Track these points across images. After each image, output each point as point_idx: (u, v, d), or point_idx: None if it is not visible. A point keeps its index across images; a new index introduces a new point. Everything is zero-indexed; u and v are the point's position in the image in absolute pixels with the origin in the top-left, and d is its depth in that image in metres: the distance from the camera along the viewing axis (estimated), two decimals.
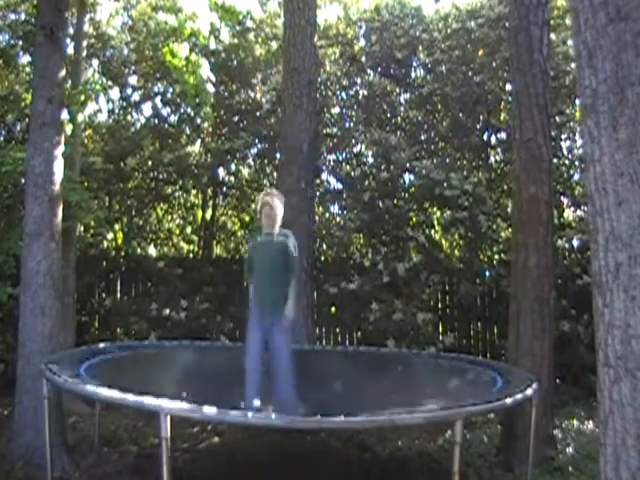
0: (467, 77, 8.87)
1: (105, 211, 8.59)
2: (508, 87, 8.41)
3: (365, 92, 9.39)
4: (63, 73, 5.19)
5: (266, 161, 9.55)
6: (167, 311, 8.01)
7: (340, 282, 8.02)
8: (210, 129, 9.46)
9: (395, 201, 8.39)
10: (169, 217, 10.41)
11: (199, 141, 9.74)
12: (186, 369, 5.60)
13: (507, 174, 8.51)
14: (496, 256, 8.51)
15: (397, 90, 9.38)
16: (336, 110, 9.47)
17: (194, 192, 9.90)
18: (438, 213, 8.63)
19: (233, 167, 9.60)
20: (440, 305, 8.46)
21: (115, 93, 9.47)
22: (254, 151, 9.47)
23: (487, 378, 4.56)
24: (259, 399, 4.46)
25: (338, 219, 9.42)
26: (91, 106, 8.82)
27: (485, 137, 9.31)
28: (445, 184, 7.85)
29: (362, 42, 9.71)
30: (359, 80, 9.37)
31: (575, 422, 6.11)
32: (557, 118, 8.10)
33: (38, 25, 5.12)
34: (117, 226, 9.52)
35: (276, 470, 4.68)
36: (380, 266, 7.89)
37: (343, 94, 9.58)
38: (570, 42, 7.92)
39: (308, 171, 7.21)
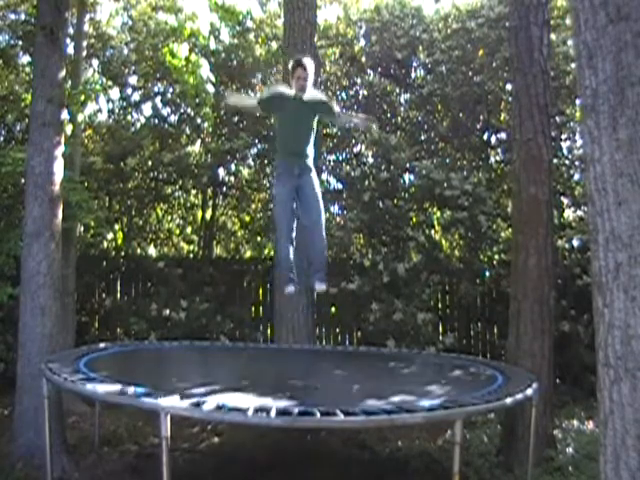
0: (467, 77, 8.88)
1: (105, 211, 8.59)
2: (508, 87, 8.41)
3: (365, 92, 9.40)
4: (63, 73, 5.19)
5: (266, 161, 9.55)
6: (167, 311, 8.01)
7: (340, 282, 8.02)
8: (210, 129, 9.46)
9: (395, 201, 8.39)
10: (169, 217, 10.41)
11: (199, 141, 9.74)
12: (186, 369, 5.59)
13: (507, 174, 8.51)
14: (496, 256, 8.51)
15: (397, 90, 9.38)
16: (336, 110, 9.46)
17: (194, 192, 9.90)
18: (438, 213, 8.63)
19: (233, 167, 9.61)
20: (440, 305, 8.47)
21: (115, 93, 9.48)
22: (254, 151, 9.47)
23: (487, 378, 4.55)
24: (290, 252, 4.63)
25: (338, 219, 9.42)
26: (91, 106, 8.83)
27: (485, 137, 9.32)
28: (445, 184, 7.86)
29: (362, 42, 9.71)
30: (359, 80, 9.37)
31: (575, 422, 6.12)
32: (557, 118, 8.10)
33: (38, 25, 5.12)
34: (117, 226, 9.53)
35: (276, 470, 4.68)
36: (380, 266, 7.89)
37: (343, 94, 9.58)
38: (570, 42, 7.93)
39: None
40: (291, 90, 4.67)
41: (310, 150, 4.74)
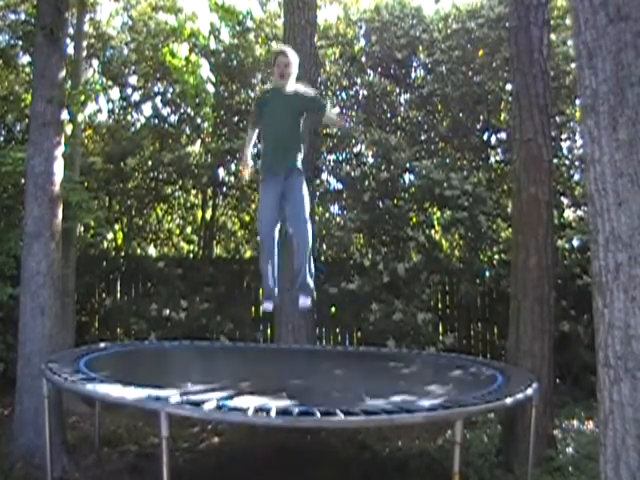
0: (467, 77, 8.88)
1: (105, 211, 8.59)
2: (508, 87, 8.41)
3: (365, 92, 9.39)
4: (63, 73, 5.19)
5: None
6: (167, 311, 8.01)
7: (340, 282, 8.02)
8: (210, 129, 9.46)
9: (395, 201, 8.39)
10: (169, 217, 10.41)
11: (199, 141, 9.74)
12: (186, 369, 5.59)
13: (507, 174, 8.51)
14: (496, 256, 8.51)
15: (397, 90, 9.38)
16: (336, 110, 9.47)
17: (194, 192, 9.90)
18: (438, 213, 8.63)
19: (233, 167, 9.61)
20: (440, 305, 8.46)
21: (115, 93, 9.49)
22: (254, 151, 9.45)
23: (487, 378, 4.56)
24: (272, 274, 4.40)
25: (338, 219, 9.42)
26: (91, 106, 8.84)
27: (485, 137, 9.31)
28: (445, 184, 7.86)
29: (362, 42, 9.71)
30: (359, 80, 9.37)
31: (575, 422, 6.12)
32: (557, 118, 8.10)
33: (38, 25, 5.12)
34: (117, 226, 9.53)
35: (276, 470, 4.68)
36: (380, 266, 7.90)
37: (343, 94, 9.58)
38: (570, 42, 7.93)
39: (308, 171, 7.19)
40: (276, 86, 4.51)
41: (296, 149, 4.43)
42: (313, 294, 4.43)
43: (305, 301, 4.36)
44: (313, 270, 4.46)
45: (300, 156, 4.47)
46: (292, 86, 4.50)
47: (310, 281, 4.40)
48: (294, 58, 4.50)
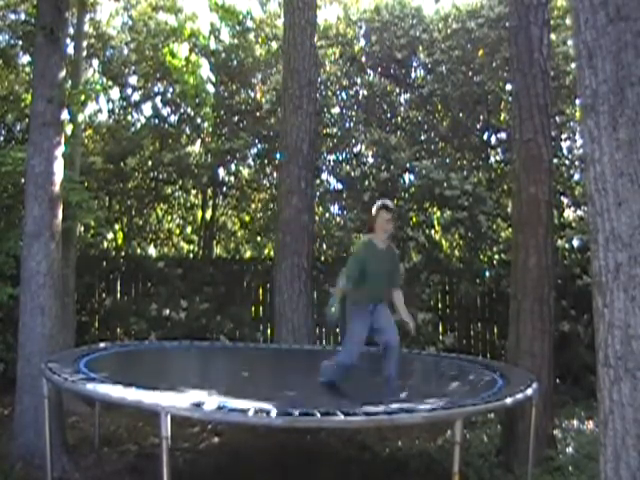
0: (467, 77, 8.88)
1: (105, 211, 8.60)
2: (508, 87, 8.41)
3: (365, 92, 9.40)
4: (63, 73, 5.19)
5: (266, 161, 9.55)
6: (167, 311, 8.01)
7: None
8: (210, 129, 9.47)
9: (395, 201, 8.38)
10: (169, 217, 10.42)
11: (199, 141, 9.75)
12: (186, 369, 5.60)
13: (507, 174, 8.51)
14: (496, 256, 8.51)
15: (397, 90, 9.38)
16: (336, 110, 9.48)
17: (194, 192, 9.91)
18: (438, 213, 8.63)
19: (233, 167, 9.61)
20: (440, 305, 8.46)
21: (115, 93, 9.50)
22: (254, 151, 9.48)
23: (487, 378, 4.56)
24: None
25: (338, 219, 9.42)
26: (91, 106, 8.86)
27: (485, 137, 9.32)
28: (445, 184, 7.85)
29: (362, 42, 9.71)
30: (359, 80, 9.37)
31: (575, 422, 6.12)
32: (557, 118, 8.10)
33: (38, 25, 5.12)
34: (117, 226, 9.53)
35: (276, 470, 4.68)
36: None
37: (343, 94, 9.58)
38: (570, 42, 7.93)
39: (308, 171, 7.21)
40: (375, 239, 4.66)
41: (385, 297, 4.70)
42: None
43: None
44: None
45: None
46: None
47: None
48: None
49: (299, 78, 7.19)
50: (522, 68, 5.10)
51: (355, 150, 9.32)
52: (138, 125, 9.60)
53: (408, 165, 8.32)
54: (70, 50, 6.64)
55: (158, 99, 9.47)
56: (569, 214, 8.75)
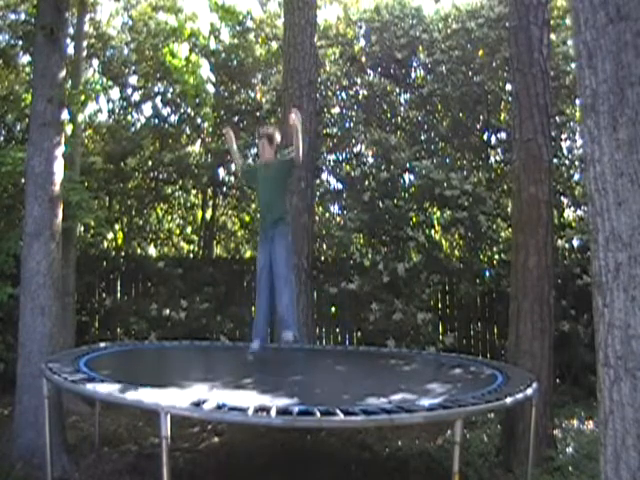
0: (467, 77, 8.88)
1: (105, 211, 8.59)
2: (508, 87, 8.41)
3: (365, 92, 9.39)
4: (63, 73, 5.19)
5: None
6: (167, 311, 8.01)
7: (340, 282, 8.02)
8: (210, 129, 9.46)
9: (395, 201, 8.38)
10: (169, 217, 10.42)
11: (199, 141, 9.75)
12: (186, 369, 5.59)
13: (507, 174, 8.51)
14: (496, 256, 8.51)
15: (397, 90, 9.37)
16: (336, 110, 9.47)
17: (194, 192, 9.90)
18: (438, 213, 8.63)
19: (233, 167, 9.60)
20: (440, 305, 8.46)
21: (115, 93, 9.49)
22: (254, 151, 9.47)
23: (487, 378, 4.56)
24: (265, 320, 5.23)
25: (338, 219, 9.42)
26: (91, 106, 8.86)
27: (485, 137, 9.31)
28: (445, 184, 7.86)
29: (362, 42, 9.70)
30: (359, 80, 9.36)
31: (575, 422, 6.11)
32: (557, 118, 8.10)
33: (38, 25, 5.12)
34: (117, 226, 9.53)
35: (276, 470, 4.68)
36: (380, 266, 7.89)
37: (343, 94, 9.57)
38: (570, 42, 7.93)
39: (308, 171, 7.21)
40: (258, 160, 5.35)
41: (281, 214, 5.15)
42: (296, 332, 5.09)
43: (287, 335, 5.03)
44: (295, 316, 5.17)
45: (284, 212, 5.22)
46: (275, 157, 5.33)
47: (293, 322, 5.08)
48: (275, 136, 5.36)
49: (299, 78, 7.19)
50: (522, 68, 5.10)
51: (355, 150, 9.32)
52: (138, 125, 9.60)
53: (408, 165, 8.32)
54: (70, 50, 6.65)
55: (158, 99, 9.47)
56: (569, 214, 8.76)
